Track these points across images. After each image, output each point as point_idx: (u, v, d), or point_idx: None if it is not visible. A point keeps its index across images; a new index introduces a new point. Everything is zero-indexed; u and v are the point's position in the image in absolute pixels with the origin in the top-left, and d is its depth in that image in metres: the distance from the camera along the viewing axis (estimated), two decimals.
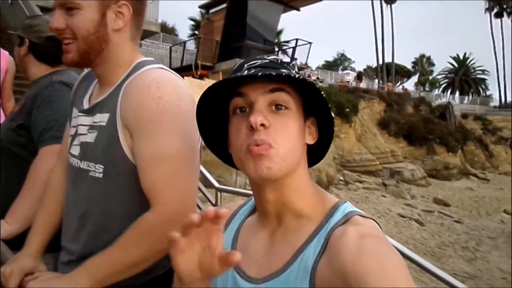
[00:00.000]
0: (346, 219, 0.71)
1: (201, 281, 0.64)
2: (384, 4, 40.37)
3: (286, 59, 0.79)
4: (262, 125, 0.69)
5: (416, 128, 21.48)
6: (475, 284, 7.02)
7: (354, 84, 26.22)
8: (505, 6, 47.31)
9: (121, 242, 0.98)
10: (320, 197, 0.78)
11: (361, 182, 15.91)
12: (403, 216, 11.62)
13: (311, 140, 0.78)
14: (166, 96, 1.00)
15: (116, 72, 1.09)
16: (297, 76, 0.70)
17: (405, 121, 21.75)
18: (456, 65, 51.66)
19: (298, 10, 19.09)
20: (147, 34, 13.78)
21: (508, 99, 48.94)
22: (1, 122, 2.27)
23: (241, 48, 15.98)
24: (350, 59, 57.06)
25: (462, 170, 21.87)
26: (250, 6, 16.35)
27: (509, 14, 47.44)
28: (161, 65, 1.11)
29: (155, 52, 20.16)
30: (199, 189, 3.08)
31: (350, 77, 28.86)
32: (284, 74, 0.69)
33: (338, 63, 55.18)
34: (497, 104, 45.33)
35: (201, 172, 3.07)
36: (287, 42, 21.23)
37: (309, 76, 22.12)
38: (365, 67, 50.26)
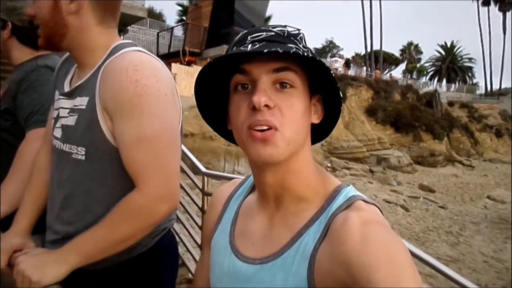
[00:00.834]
0: (349, 204, 0.68)
1: None
2: None
3: (293, 30, 0.72)
4: (266, 105, 0.65)
5: (403, 115, 21.66)
6: (457, 267, 7.19)
7: (342, 71, 26.25)
8: None
9: (109, 220, 1.01)
10: (321, 180, 0.74)
11: (348, 168, 16.05)
12: (389, 202, 11.78)
13: (316, 119, 0.74)
14: (144, 78, 1.00)
15: (91, 56, 1.10)
16: (305, 53, 0.66)
17: (392, 109, 21.91)
18: (443, 53, 52.07)
19: None
20: (133, 20, 13.57)
21: (494, 87, 49.59)
22: None
23: (229, 34, 15.86)
24: (338, 47, 57.07)
25: (447, 157, 22.18)
26: None
27: (496, 2, 47.73)
28: (138, 48, 1.11)
29: (142, 38, 19.93)
30: (187, 174, 3.09)
31: (338, 64, 28.88)
32: (292, 51, 0.64)
33: (326, 50, 55.10)
34: (483, 92, 45.88)
35: (188, 157, 3.09)
36: None
37: None
38: (354, 54, 50.34)
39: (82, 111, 1.07)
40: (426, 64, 54.17)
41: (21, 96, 1.51)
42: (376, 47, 39.83)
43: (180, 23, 24.86)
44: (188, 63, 15.88)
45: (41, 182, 1.24)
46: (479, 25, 48.27)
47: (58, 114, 1.15)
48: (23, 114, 1.49)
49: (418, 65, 53.75)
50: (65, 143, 1.11)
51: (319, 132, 0.79)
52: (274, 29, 0.70)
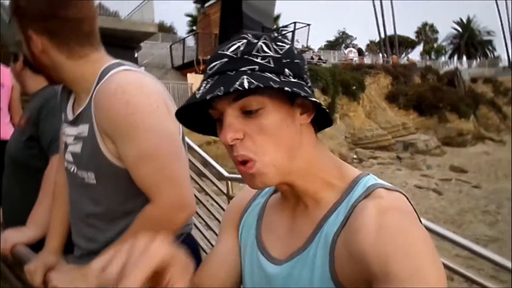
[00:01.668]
0: (368, 193, 0.66)
1: None
2: None
3: (251, 43, 0.67)
4: (237, 138, 0.64)
5: (425, 97, 21.26)
6: (497, 246, 7.00)
7: (357, 61, 25.97)
8: None
9: (130, 233, 1.05)
10: (338, 171, 0.72)
11: (375, 158, 15.87)
12: (420, 187, 11.59)
13: (306, 118, 0.69)
14: (133, 98, 1.03)
15: (82, 84, 1.13)
16: (247, 84, 0.60)
17: (413, 92, 21.55)
18: (460, 29, 50.73)
19: None
20: (146, 36, 13.83)
21: None
22: None
23: None
24: (352, 37, 56.27)
25: (476, 135, 21.63)
26: None
27: None
28: (125, 66, 1.12)
29: (156, 53, 20.21)
30: (211, 181, 3.13)
31: (353, 54, 28.55)
32: (231, 89, 0.59)
33: (340, 41, 54.55)
34: (506, 64, 44.45)
35: (210, 164, 3.13)
36: (286, 26, 21.07)
37: (311, 58, 21.96)
38: (368, 42, 49.69)
39: (85, 139, 1.11)
40: (444, 43, 52.95)
41: (42, 123, 1.57)
42: (390, 32, 39.26)
43: (191, 33, 25.13)
44: (203, 72, 15.92)
45: (65, 201, 1.30)
46: None
47: (66, 141, 1.20)
48: (45, 140, 1.55)
49: (435, 45, 52.58)
50: (76, 168, 1.16)
51: (324, 119, 0.74)
52: (228, 52, 0.66)
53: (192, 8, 31.88)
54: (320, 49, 38.15)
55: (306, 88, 0.67)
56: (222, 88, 0.60)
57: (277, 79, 0.63)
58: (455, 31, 51.41)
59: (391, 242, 0.55)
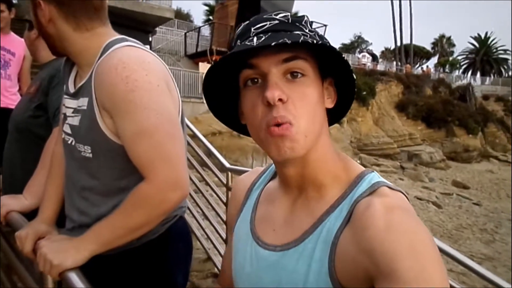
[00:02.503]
0: (372, 190, 0.65)
1: None
2: None
3: (297, 15, 0.69)
4: (280, 100, 0.63)
5: (435, 110, 21.13)
6: (492, 265, 6.97)
7: (371, 66, 25.84)
8: None
9: (123, 209, 1.05)
10: (343, 165, 0.72)
11: (378, 165, 15.80)
12: (420, 199, 11.53)
13: (330, 103, 0.72)
14: (134, 73, 1.02)
15: (85, 57, 1.14)
16: (314, 40, 0.63)
17: (423, 103, 21.41)
18: (477, 45, 50.31)
19: None
20: (161, 21, 13.80)
21: None
22: None
23: None
24: (367, 41, 55.97)
25: (482, 152, 21.49)
26: None
27: None
28: (128, 42, 1.12)
29: (170, 39, 20.21)
30: (212, 171, 3.13)
31: (366, 59, 28.41)
32: (300, 40, 0.61)
33: (355, 45, 54.28)
34: None
35: (212, 153, 3.13)
36: None
37: None
38: (383, 49, 49.43)
39: (84, 112, 1.11)
40: (459, 57, 52.55)
41: (51, 92, 1.58)
42: (406, 41, 38.99)
43: (207, 23, 25.09)
44: (215, 62, 16.00)
45: (61, 172, 1.30)
46: None
47: (66, 113, 1.20)
48: (51, 110, 1.56)
49: (450, 58, 52.20)
50: (74, 141, 1.16)
51: (334, 114, 0.76)
52: (277, 17, 0.67)
53: None
54: None
55: None
56: (285, 39, 0.60)
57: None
58: (471, 46, 51.01)
59: (399, 240, 0.55)
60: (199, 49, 18.39)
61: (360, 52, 43.15)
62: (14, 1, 3.00)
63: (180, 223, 1.28)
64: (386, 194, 0.64)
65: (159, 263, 1.22)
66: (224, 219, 3.03)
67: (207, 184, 3.25)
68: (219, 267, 3.01)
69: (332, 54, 0.66)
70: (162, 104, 1.06)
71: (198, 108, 12.73)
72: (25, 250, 1.16)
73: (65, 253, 1.03)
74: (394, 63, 35.51)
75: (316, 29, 0.70)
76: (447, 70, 47.01)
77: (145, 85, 1.03)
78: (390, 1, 36.63)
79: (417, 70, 34.44)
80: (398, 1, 36.07)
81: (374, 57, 29.60)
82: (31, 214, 1.35)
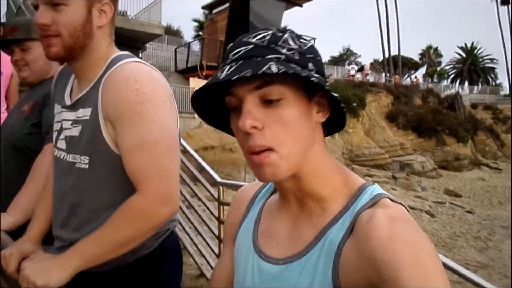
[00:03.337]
0: (374, 202, 0.66)
1: None
2: None
3: (276, 35, 0.67)
4: (255, 127, 0.63)
5: (424, 119, 21.30)
6: (487, 273, 6.97)
7: (360, 78, 26.08)
8: None
9: (111, 223, 1.04)
10: (343, 178, 0.72)
11: (370, 176, 15.82)
12: (413, 208, 11.54)
13: (322, 117, 0.70)
14: (143, 87, 1.06)
15: (94, 67, 1.15)
16: (277, 69, 0.60)
17: (413, 113, 21.59)
18: (464, 55, 51.19)
19: (301, 6, 19.07)
20: (151, 37, 13.87)
21: None
22: None
23: None
24: (356, 54, 56.63)
25: (473, 160, 21.65)
26: (252, 5, 16.37)
27: None
28: (136, 58, 1.16)
29: (160, 55, 20.29)
30: (203, 186, 3.12)
31: (354, 71, 28.67)
32: (259, 72, 0.59)
33: (344, 58, 54.88)
34: (507, 92, 44.72)
35: (203, 168, 3.12)
36: None
37: None
38: (372, 61, 49.96)
39: (86, 122, 1.12)
40: (447, 67, 53.32)
41: (44, 111, 1.59)
42: (394, 52, 39.51)
43: (197, 38, 25.24)
44: (206, 77, 16.07)
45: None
46: (500, 25, 47.36)
47: (61, 126, 1.20)
48: (44, 128, 1.56)
49: (438, 69, 52.91)
50: (69, 153, 1.16)
51: (333, 123, 0.74)
52: (254, 40, 0.66)
53: (199, 13, 32.14)
54: (324, 64, 38.26)
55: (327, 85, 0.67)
56: (250, 70, 0.60)
57: (302, 71, 0.63)
58: (458, 56, 51.85)
59: (403, 250, 0.56)
60: (189, 65, 18.50)
61: (349, 64, 43.60)
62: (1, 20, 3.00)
63: (172, 238, 1.28)
64: (388, 205, 0.65)
65: (153, 279, 1.21)
66: (217, 234, 3.01)
67: (199, 199, 3.24)
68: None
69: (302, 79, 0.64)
70: (165, 119, 1.08)
71: (190, 123, 12.74)
72: (9, 270, 1.14)
73: (49, 272, 1.01)
74: (383, 74, 35.90)
75: (303, 43, 0.69)
76: (435, 80, 47.56)
77: (153, 99, 1.06)
78: (377, 14, 37.25)
79: (406, 81, 34.84)
80: (385, 14, 36.70)
81: (361, 69, 29.79)
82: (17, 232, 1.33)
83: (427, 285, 0.53)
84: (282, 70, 0.60)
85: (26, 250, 1.18)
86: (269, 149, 0.64)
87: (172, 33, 30.45)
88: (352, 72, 28.17)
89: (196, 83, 14.64)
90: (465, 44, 51.91)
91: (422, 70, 53.38)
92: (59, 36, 1.09)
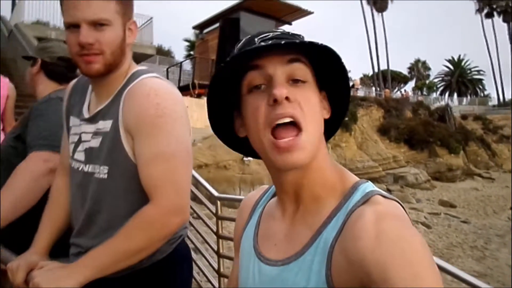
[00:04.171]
0: (366, 199, 0.66)
1: None
2: (375, 13, 40.90)
3: (295, 31, 0.74)
4: (287, 98, 0.65)
5: (416, 132, 21.50)
6: (485, 282, 6.96)
7: (351, 92, 26.28)
8: (495, 6, 47.76)
9: (124, 232, 1.06)
10: (339, 176, 0.73)
11: None
12: None
13: (326, 114, 0.74)
14: (164, 102, 1.11)
15: (115, 81, 1.20)
16: (319, 42, 0.66)
17: (404, 126, 21.79)
18: (451, 67, 51.97)
19: (290, 24, 19.35)
20: (143, 58, 13.97)
21: (506, 97, 49.13)
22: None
23: None
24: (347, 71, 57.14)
25: (465, 170, 21.79)
26: (242, 23, 16.60)
27: (499, 14, 47.87)
28: (155, 74, 1.22)
29: None
30: (201, 201, 3.12)
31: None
32: (307, 42, 0.64)
33: None
34: (496, 103, 45.40)
35: (200, 183, 3.12)
36: None
37: None
38: (362, 75, 50.54)
39: (106, 133, 1.16)
40: (435, 80, 54.10)
41: (30, 123, 1.61)
42: (383, 66, 40.08)
43: (188, 58, 25.42)
44: (198, 96, 16.14)
45: (59, 204, 1.31)
46: (485, 37, 48.39)
47: (80, 138, 1.24)
48: (29, 139, 1.58)
49: (427, 82, 53.62)
50: (87, 164, 1.20)
51: (327, 130, 0.76)
52: (279, 30, 0.72)
53: (190, 33, 32.43)
54: None
55: None
56: (296, 40, 0.64)
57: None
58: (446, 69, 52.65)
59: (391, 249, 0.55)
60: (181, 84, 18.55)
61: None
62: None
63: (183, 244, 1.32)
64: (379, 202, 0.65)
65: (167, 283, 1.23)
66: (216, 249, 2.99)
67: (198, 217, 3.23)
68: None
69: (329, 63, 0.70)
70: (182, 133, 1.13)
71: None
72: (16, 281, 1.14)
73: (60, 281, 1.02)
74: (373, 88, 36.30)
75: None
76: (424, 92, 48.15)
77: (172, 113, 1.12)
78: (365, 30, 37.86)
79: (396, 94, 35.25)
80: (373, 29, 37.32)
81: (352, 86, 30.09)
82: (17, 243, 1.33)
83: (418, 284, 0.52)
84: (320, 43, 0.65)
85: (33, 262, 1.18)
86: (296, 126, 0.65)
87: (163, 53, 30.67)
88: None
89: (189, 102, 14.70)
90: (452, 57, 52.86)
91: (412, 84, 54.16)
92: (101, 55, 1.14)
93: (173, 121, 1.12)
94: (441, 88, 52.42)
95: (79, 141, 1.24)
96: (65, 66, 1.81)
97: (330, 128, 0.79)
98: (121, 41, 1.17)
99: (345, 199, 0.69)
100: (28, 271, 1.15)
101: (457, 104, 39.21)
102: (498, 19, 48.52)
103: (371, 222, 0.60)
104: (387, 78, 40.36)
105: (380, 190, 0.70)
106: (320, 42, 0.67)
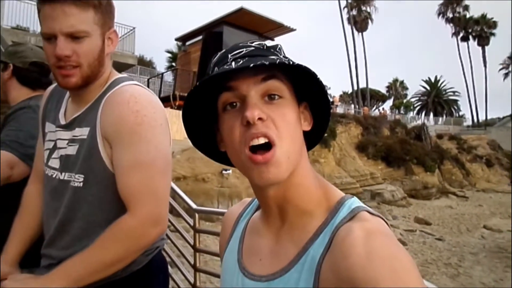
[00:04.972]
0: (352, 215, 0.66)
1: None
2: (355, 32, 41.83)
3: (271, 43, 0.73)
4: (260, 119, 0.64)
5: (393, 149, 21.84)
6: None
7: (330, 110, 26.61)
8: (470, 30, 49.51)
9: (99, 243, 1.03)
10: (323, 191, 0.72)
11: None
12: None
13: (307, 126, 0.74)
14: (143, 110, 1.09)
15: (92, 90, 1.17)
16: (290, 62, 0.66)
17: (382, 144, 22.13)
18: (428, 88, 53.28)
19: (272, 39, 19.55)
20: (124, 67, 13.87)
21: (480, 118, 50.69)
22: None
23: None
24: (326, 86, 57.99)
25: (440, 189, 22.21)
26: (225, 37, 16.71)
27: (474, 38, 49.61)
28: (135, 81, 1.19)
29: None
30: (182, 216, 3.08)
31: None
32: (277, 61, 0.64)
33: None
34: (470, 123, 46.71)
35: (179, 195, 3.09)
36: None
37: None
38: (341, 93, 51.34)
39: (83, 141, 1.13)
40: (413, 99, 55.31)
41: (4, 129, 1.57)
42: (363, 84, 40.82)
43: (170, 69, 25.36)
44: (179, 107, 16.08)
45: (30, 213, 1.26)
46: (460, 60, 50.03)
47: (55, 145, 1.20)
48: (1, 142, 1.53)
49: (404, 101, 54.80)
50: (63, 172, 1.16)
51: (309, 140, 0.77)
52: (253, 44, 0.71)
53: (172, 45, 32.44)
54: None
55: None
56: (264, 61, 0.63)
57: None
58: (423, 89, 53.94)
59: (382, 267, 0.55)
60: (162, 95, 18.46)
61: None
62: None
63: (160, 255, 1.29)
64: (366, 218, 0.65)
65: None
66: (192, 263, 2.95)
67: (175, 230, 3.18)
68: None
69: (307, 77, 0.69)
70: (162, 141, 1.11)
71: None
72: None
73: None
74: (352, 106, 36.87)
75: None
76: (402, 111, 49.14)
77: (152, 121, 1.09)
78: (345, 49, 38.59)
79: (375, 112, 35.89)
80: (353, 48, 38.06)
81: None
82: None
83: None
84: (296, 64, 0.65)
85: (3, 272, 1.15)
86: (270, 144, 0.65)
87: (144, 63, 30.51)
88: None
89: (169, 113, 14.63)
90: (429, 78, 54.22)
91: (389, 102, 55.23)
92: (78, 67, 1.10)
93: (153, 129, 1.09)
94: (418, 107, 53.67)
95: (54, 147, 1.20)
96: (38, 72, 1.75)
97: (315, 137, 0.79)
98: (100, 51, 1.14)
99: (331, 215, 0.68)
100: None
101: (433, 124, 40.13)
102: (473, 43, 50.36)
103: (360, 239, 0.59)
104: (366, 96, 41.15)
105: (366, 206, 0.70)
106: (291, 61, 0.67)
